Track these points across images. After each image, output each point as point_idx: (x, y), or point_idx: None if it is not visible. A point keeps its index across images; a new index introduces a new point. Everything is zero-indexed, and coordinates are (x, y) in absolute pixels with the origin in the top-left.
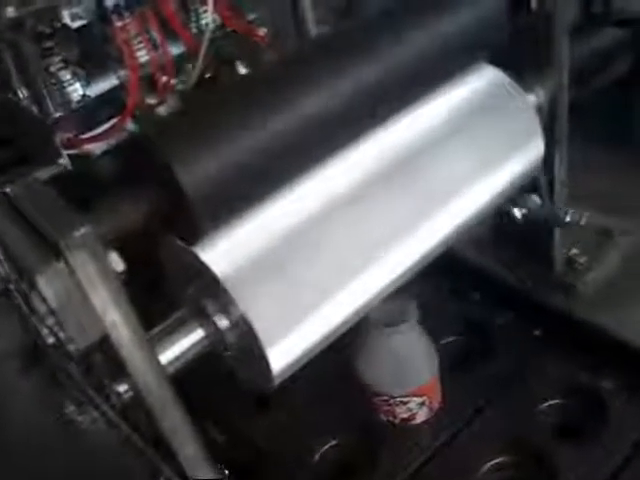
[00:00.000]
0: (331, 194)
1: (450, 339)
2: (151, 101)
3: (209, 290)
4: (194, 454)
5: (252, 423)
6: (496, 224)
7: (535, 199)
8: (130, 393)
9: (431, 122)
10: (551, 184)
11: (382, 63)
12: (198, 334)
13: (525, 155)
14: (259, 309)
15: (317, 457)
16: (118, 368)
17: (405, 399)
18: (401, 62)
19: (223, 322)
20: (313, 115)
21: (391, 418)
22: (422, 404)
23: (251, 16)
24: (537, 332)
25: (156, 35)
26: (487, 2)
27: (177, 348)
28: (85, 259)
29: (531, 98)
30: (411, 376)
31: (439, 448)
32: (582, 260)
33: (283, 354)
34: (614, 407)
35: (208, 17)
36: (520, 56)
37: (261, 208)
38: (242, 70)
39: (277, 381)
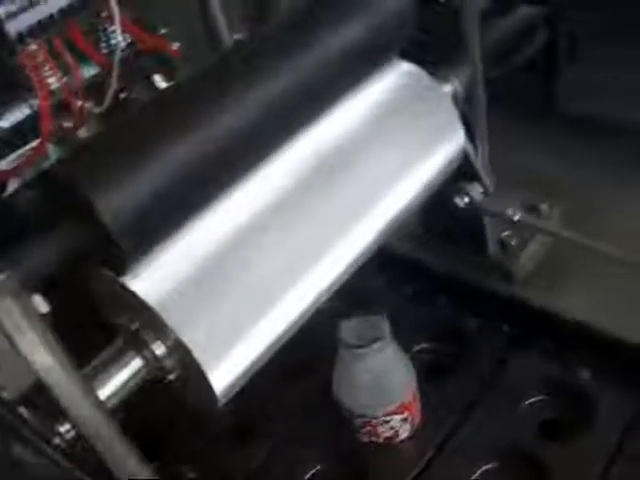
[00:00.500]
0: (258, 206)
1: (420, 347)
2: (69, 125)
3: (142, 318)
4: None
5: (230, 457)
6: (425, 216)
7: (477, 187)
8: (72, 433)
9: (352, 122)
10: (468, 170)
11: (298, 69)
12: (136, 364)
13: (447, 145)
14: (195, 331)
15: None
16: (58, 409)
17: (387, 418)
18: (316, 67)
19: (160, 349)
20: (231, 129)
21: (374, 438)
22: (404, 420)
23: (162, 31)
24: (505, 328)
25: (66, 59)
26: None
27: (116, 381)
28: (8, 306)
29: (447, 88)
30: (391, 394)
31: (427, 462)
32: (514, 242)
33: (225, 373)
34: (593, 398)
35: (117, 36)
36: (433, 48)
37: (187, 229)
38: (161, 84)
39: (223, 400)
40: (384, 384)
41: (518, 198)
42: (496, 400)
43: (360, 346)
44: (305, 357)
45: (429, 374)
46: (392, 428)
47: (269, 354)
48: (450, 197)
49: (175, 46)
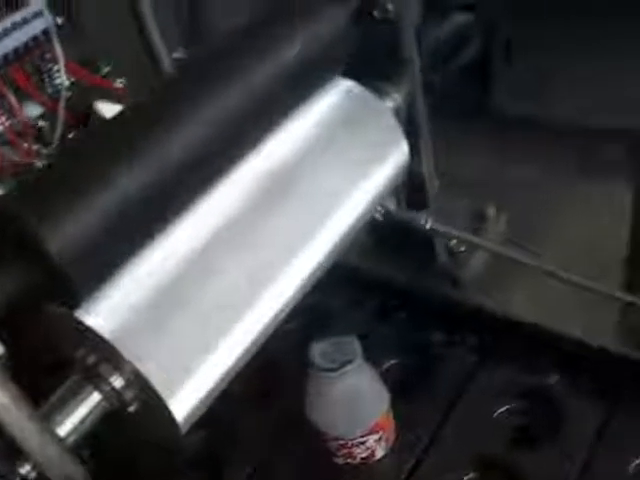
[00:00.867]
0: (209, 229)
1: (389, 364)
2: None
3: (98, 352)
4: None
5: None
6: (374, 228)
7: (392, 200)
8: (33, 474)
9: (297, 142)
10: (415, 182)
11: (241, 92)
12: (95, 398)
13: (391, 159)
14: (152, 361)
15: None
16: (17, 450)
17: (362, 439)
18: (257, 90)
19: (118, 381)
20: (178, 154)
21: (350, 460)
22: (379, 439)
23: (105, 69)
24: (472, 341)
25: (9, 100)
26: (329, 19)
27: (74, 417)
28: None
29: (388, 103)
30: (365, 415)
31: (408, 476)
32: (463, 248)
33: (185, 401)
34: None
35: (62, 76)
36: (372, 64)
37: (139, 257)
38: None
39: (184, 429)
40: (358, 405)
41: (464, 207)
42: (468, 411)
43: (332, 369)
44: (272, 381)
45: (400, 390)
46: (368, 448)
47: (228, 378)
48: None
49: (120, 83)
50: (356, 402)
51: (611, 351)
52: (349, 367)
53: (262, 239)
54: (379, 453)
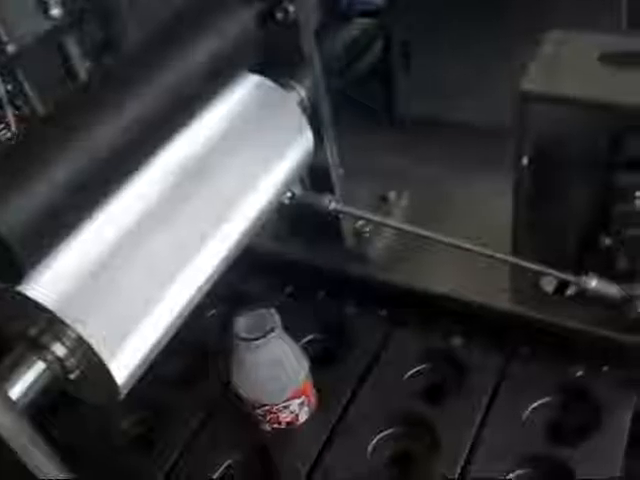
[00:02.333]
0: (136, 209)
1: (307, 339)
2: None
3: (42, 322)
4: None
5: (140, 464)
6: (289, 213)
7: (297, 185)
8: None
9: (210, 133)
10: (320, 171)
11: (159, 89)
12: (39, 367)
13: (297, 148)
14: (92, 327)
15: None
16: None
17: (286, 403)
18: (173, 86)
19: (60, 350)
20: (107, 144)
21: (276, 425)
22: (302, 404)
23: None
24: (382, 313)
25: None
26: (237, 21)
27: (21, 385)
28: None
29: (293, 97)
30: (288, 380)
31: (328, 438)
32: (367, 229)
33: (124, 365)
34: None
35: None
36: (278, 61)
37: (76, 234)
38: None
39: (124, 392)
40: (281, 371)
41: (368, 190)
42: (382, 375)
43: (256, 338)
44: (197, 361)
45: (319, 361)
46: (292, 412)
47: (161, 344)
48: None
49: None
50: (279, 367)
51: (506, 311)
52: (271, 335)
53: (182, 219)
54: (303, 417)
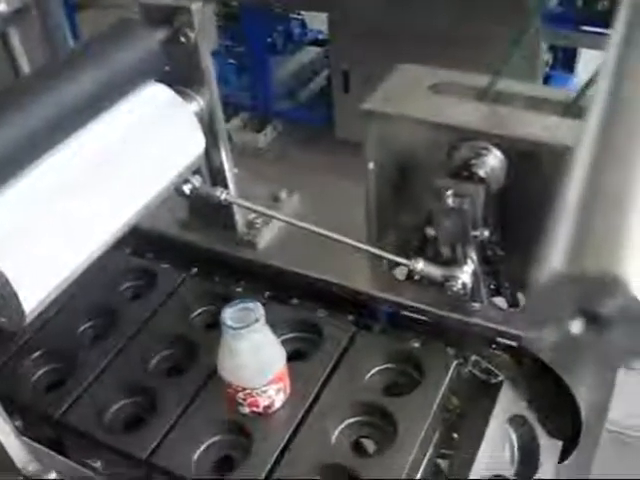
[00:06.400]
0: (54, 178)
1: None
2: None
3: None
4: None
5: (127, 443)
6: (191, 204)
7: (199, 179)
8: None
9: (116, 129)
10: (213, 170)
11: (75, 91)
12: None
13: (190, 149)
14: (7, 262)
15: (195, 457)
16: None
17: (265, 388)
18: (89, 89)
19: None
20: (36, 123)
21: (255, 409)
22: (279, 390)
23: None
24: (351, 317)
25: None
26: (146, 40)
27: None
28: None
29: (192, 106)
30: (269, 367)
31: (299, 422)
32: (259, 221)
33: (32, 295)
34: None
35: None
36: (181, 75)
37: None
38: None
39: (29, 318)
40: (263, 358)
41: (265, 190)
42: (348, 370)
43: (241, 327)
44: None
45: (292, 359)
46: (269, 397)
47: (69, 280)
48: (179, 187)
49: None
50: (261, 354)
51: (360, 292)
52: (254, 325)
53: (93, 188)
54: (278, 402)
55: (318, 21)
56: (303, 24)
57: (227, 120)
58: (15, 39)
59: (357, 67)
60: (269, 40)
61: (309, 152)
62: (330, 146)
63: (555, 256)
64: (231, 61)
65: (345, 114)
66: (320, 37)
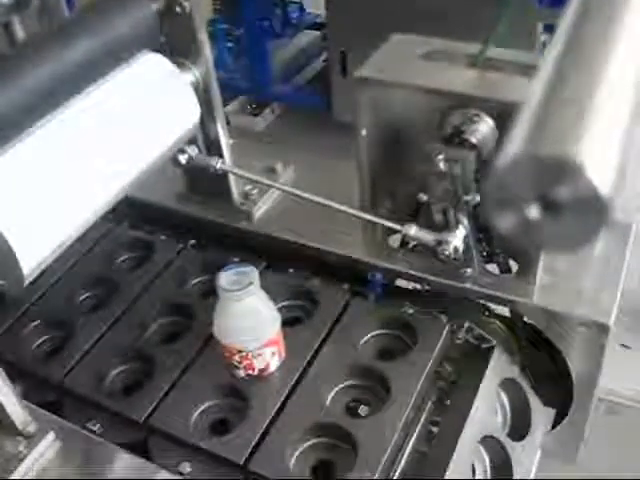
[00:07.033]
0: (54, 141)
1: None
2: None
3: None
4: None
5: (124, 406)
6: (188, 176)
7: (195, 149)
8: None
9: (110, 101)
10: (208, 140)
11: (73, 57)
12: None
13: (185, 118)
14: (5, 222)
15: (192, 420)
16: None
17: (260, 351)
18: (90, 55)
19: None
20: (39, 85)
21: (250, 372)
22: (274, 354)
23: None
24: (346, 286)
25: None
26: (142, 10)
27: None
28: None
29: (187, 76)
30: (264, 329)
31: (294, 385)
32: (254, 192)
33: (30, 256)
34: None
35: None
36: (177, 46)
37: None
38: None
39: (27, 280)
40: (257, 321)
41: (261, 164)
42: (342, 335)
43: (238, 289)
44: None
45: (287, 325)
46: (264, 360)
47: (65, 244)
48: (175, 156)
49: None
50: (256, 317)
51: (356, 259)
52: (252, 288)
53: (91, 152)
54: (273, 366)
55: (316, 4)
56: (301, 7)
57: (225, 103)
58: (18, 28)
59: (355, 50)
60: (267, 23)
61: (307, 135)
62: (328, 129)
63: (515, 144)
64: (229, 44)
65: (343, 97)
66: (318, 20)
